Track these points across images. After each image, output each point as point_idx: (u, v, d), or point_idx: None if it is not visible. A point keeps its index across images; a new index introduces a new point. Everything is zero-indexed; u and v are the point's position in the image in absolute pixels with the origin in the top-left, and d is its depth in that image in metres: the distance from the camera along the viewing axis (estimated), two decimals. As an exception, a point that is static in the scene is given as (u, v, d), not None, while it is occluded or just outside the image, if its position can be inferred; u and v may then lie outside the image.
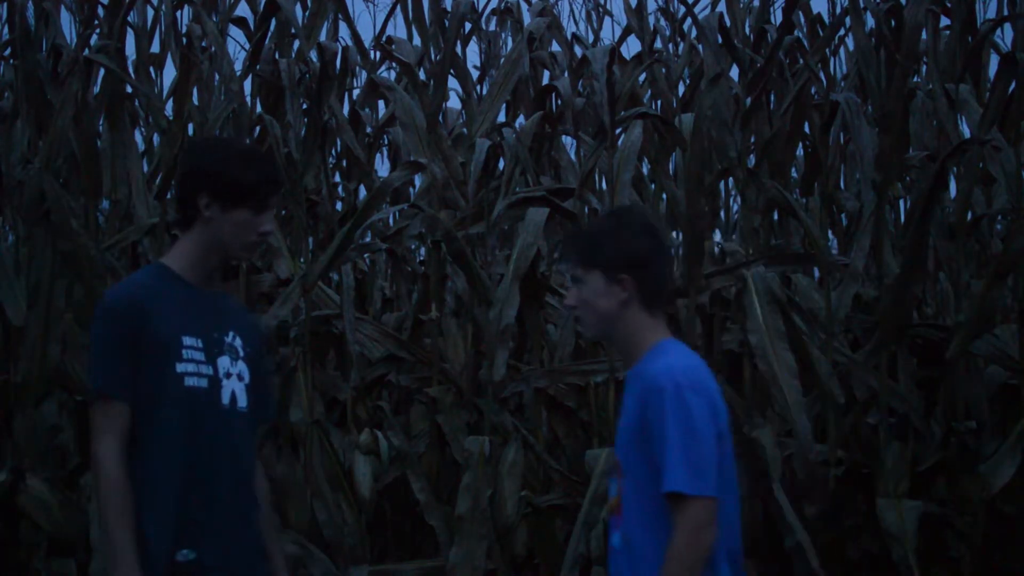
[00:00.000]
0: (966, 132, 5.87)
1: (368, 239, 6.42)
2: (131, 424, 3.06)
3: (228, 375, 3.15)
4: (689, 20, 7.15)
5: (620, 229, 3.05)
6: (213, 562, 3.06)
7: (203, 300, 3.17)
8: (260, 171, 3.16)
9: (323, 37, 6.34)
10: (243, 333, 3.22)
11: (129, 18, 6.27)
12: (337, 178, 7.26)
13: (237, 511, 3.14)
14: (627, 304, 3.01)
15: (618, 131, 5.82)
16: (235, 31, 6.78)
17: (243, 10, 6.72)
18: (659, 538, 2.90)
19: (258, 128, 6.29)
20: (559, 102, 6.63)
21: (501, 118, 6.45)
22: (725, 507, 3.00)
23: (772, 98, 6.19)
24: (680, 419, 2.87)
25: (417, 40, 6.50)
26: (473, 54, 7.46)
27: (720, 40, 5.94)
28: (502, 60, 6.79)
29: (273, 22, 6.08)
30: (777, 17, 6.25)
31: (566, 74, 6.95)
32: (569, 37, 7.48)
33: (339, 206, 6.92)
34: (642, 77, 7.07)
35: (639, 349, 3.03)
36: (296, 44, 6.06)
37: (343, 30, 7.16)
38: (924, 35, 5.86)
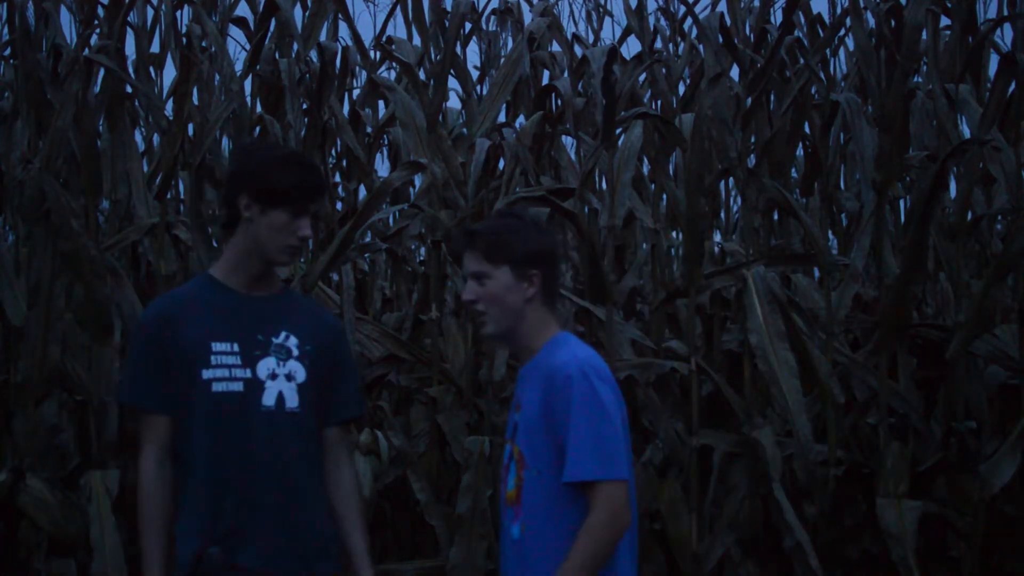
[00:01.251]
0: (966, 132, 5.87)
1: (368, 239, 6.42)
2: (172, 433, 3.13)
3: (273, 376, 3.16)
4: (689, 20, 7.15)
5: (524, 227, 3.14)
6: (250, 563, 3.07)
7: (246, 304, 3.20)
8: (299, 175, 3.20)
9: (323, 37, 6.35)
10: (302, 332, 3.22)
11: (129, 18, 6.26)
12: (337, 178, 7.26)
13: (287, 513, 3.14)
14: (532, 299, 3.09)
15: (618, 131, 5.82)
16: (235, 31, 6.79)
17: (243, 10, 6.73)
18: (561, 527, 2.96)
19: (258, 128, 6.28)
20: (559, 102, 6.63)
21: (501, 118, 6.45)
22: (630, 494, 3.03)
23: (772, 98, 6.19)
24: (590, 406, 2.95)
25: (417, 40, 6.50)
26: (473, 54, 7.47)
27: (721, 40, 5.94)
28: (502, 60, 6.79)
29: (273, 22, 6.08)
30: (777, 17, 6.25)
31: (566, 74, 6.95)
32: (569, 37, 7.47)
33: (339, 206, 6.92)
34: (642, 77, 7.07)
35: (537, 343, 3.11)
36: (296, 44, 6.07)
37: (343, 30, 7.17)
38: (924, 35, 5.86)
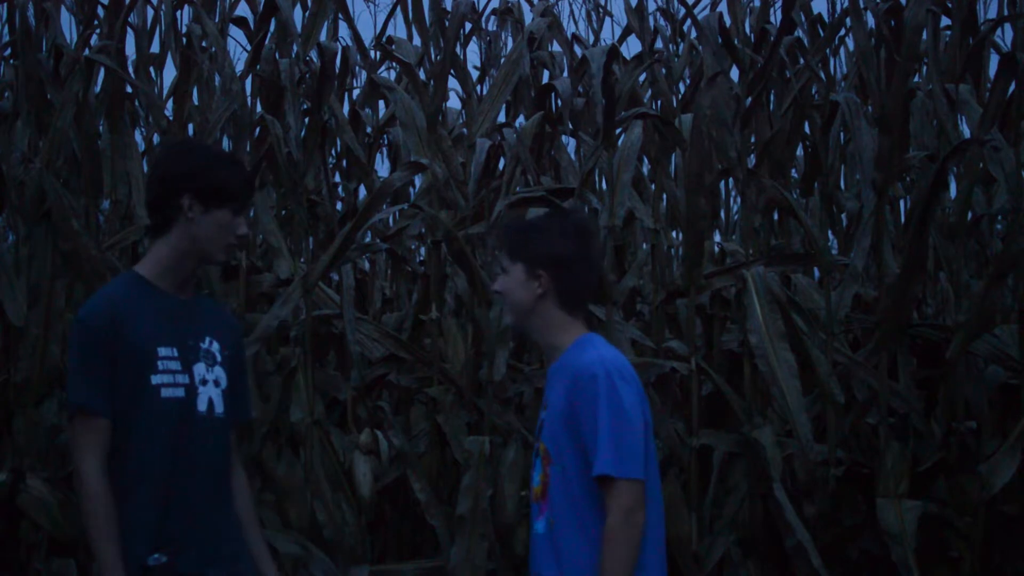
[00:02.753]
0: (966, 132, 5.87)
1: (368, 239, 6.42)
2: (112, 438, 3.06)
3: (204, 382, 3.16)
4: (689, 20, 7.15)
5: (550, 229, 3.21)
6: (188, 569, 3.06)
7: (178, 307, 3.17)
8: (241, 173, 3.23)
9: (323, 37, 6.34)
10: (220, 336, 3.22)
11: (129, 18, 6.26)
12: (337, 178, 7.25)
13: (216, 518, 3.15)
14: (542, 299, 3.16)
15: (618, 131, 5.82)
16: (235, 31, 6.79)
17: (243, 10, 6.73)
18: (584, 523, 3.04)
19: (259, 128, 6.28)
20: (559, 102, 6.62)
21: (501, 118, 6.45)
22: (651, 494, 3.09)
23: (772, 98, 6.19)
24: (612, 405, 3.01)
25: (417, 40, 6.50)
26: (473, 54, 7.48)
27: (720, 40, 5.94)
28: (502, 60, 6.78)
29: (273, 22, 6.08)
30: (777, 17, 6.25)
31: (566, 74, 6.95)
32: (570, 37, 7.47)
33: (339, 206, 6.92)
34: (642, 77, 7.07)
35: (561, 344, 3.18)
36: (296, 44, 6.06)
37: (343, 30, 7.17)
38: (924, 35, 5.86)
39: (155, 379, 3.08)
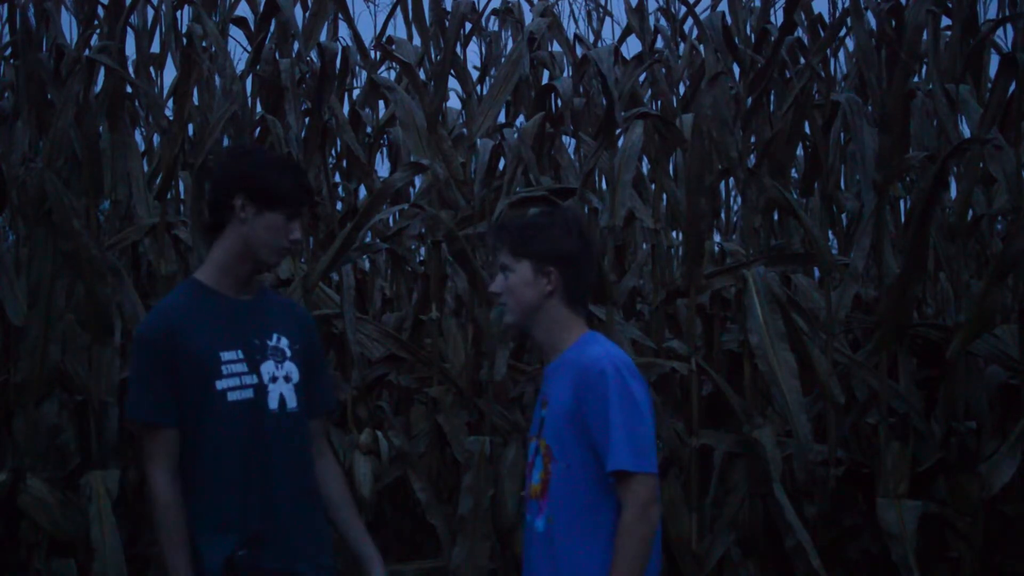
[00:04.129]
0: (966, 132, 5.87)
1: (368, 239, 6.42)
2: (181, 446, 3.11)
3: (274, 379, 3.19)
4: (690, 20, 7.15)
5: (553, 226, 3.20)
6: (272, 564, 3.11)
7: (240, 308, 3.21)
8: (296, 178, 3.23)
9: (323, 37, 6.35)
10: (288, 331, 3.25)
11: (129, 18, 6.26)
12: (337, 178, 7.26)
13: (299, 514, 3.19)
14: (550, 296, 3.15)
15: (617, 131, 5.82)
16: (236, 31, 6.79)
17: (244, 10, 6.73)
18: (585, 521, 3.04)
19: (259, 129, 6.28)
20: (559, 102, 6.63)
21: (501, 118, 6.45)
22: None
23: (772, 98, 6.19)
24: (623, 400, 3.01)
25: (417, 40, 6.50)
26: (474, 54, 7.48)
27: (722, 40, 5.94)
28: (502, 60, 6.79)
29: (274, 22, 6.08)
30: (778, 17, 6.25)
31: (566, 74, 6.95)
32: (571, 38, 7.48)
33: (339, 206, 6.92)
34: (642, 77, 7.07)
35: (564, 341, 3.17)
36: (297, 44, 6.07)
37: (343, 30, 7.17)
38: (924, 35, 5.86)
39: (220, 384, 3.12)
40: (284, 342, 3.23)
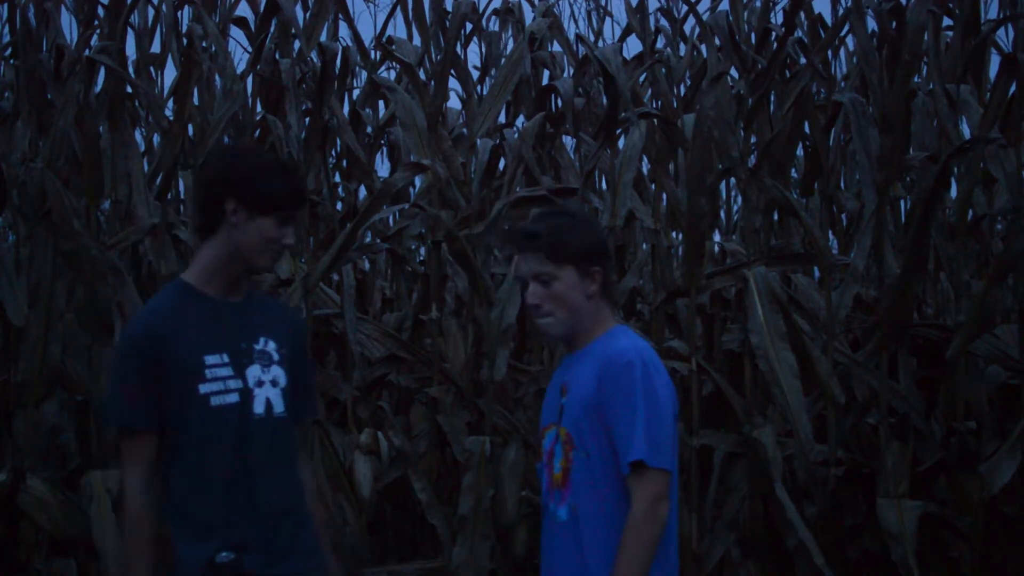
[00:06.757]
0: (967, 132, 5.87)
1: (368, 239, 6.42)
2: (160, 451, 3.07)
3: (260, 383, 3.14)
4: (690, 20, 7.16)
5: (579, 224, 3.19)
6: (256, 568, 3.07)
7: (227, 311, 3.16)
8: (288, 182, 3.18)
9: (324, 37, 6.35)
10: (277, 335, 3.21)
11: (130, 18, 6.26)
12: (337, 178, 7.26)
13: (286, 516, 3.15)
14: (594, 295, 3.15)
15: (618, 132, 5.82)
16: (236, 31, 6.79)
17: (244, 10, 6.73)
18: (607, 510, 3.02)
19: (259, 129, 6.28)
20: (559, 102, 6.63)
21: (501, 118, 6.45)
22: (673, 485, 3.07)
23: (773, 98, 6.19)
24: (647, 394, 3.00)
25: (418, 40, 6.50)
26: (474, 54, 7.48)
27: (726, 39, 5.94)
28: (503, 60, 6.79)
29: (274, 22, 6.08)
30: (779, 18, 6.26)
31: (566, 74, 6.95)
32: (573, 38, 7.48)
33: (339, 206, 6.93)
34: (643, 77, 7.07)
35: (593, 332, 3.16)
36: (297, 44, 6.07)
37: (344, 30, 7.18)
38: (925, 36, 5.86)
39: (203, 388, 3.07)
40: (272, 345, 3.18)
